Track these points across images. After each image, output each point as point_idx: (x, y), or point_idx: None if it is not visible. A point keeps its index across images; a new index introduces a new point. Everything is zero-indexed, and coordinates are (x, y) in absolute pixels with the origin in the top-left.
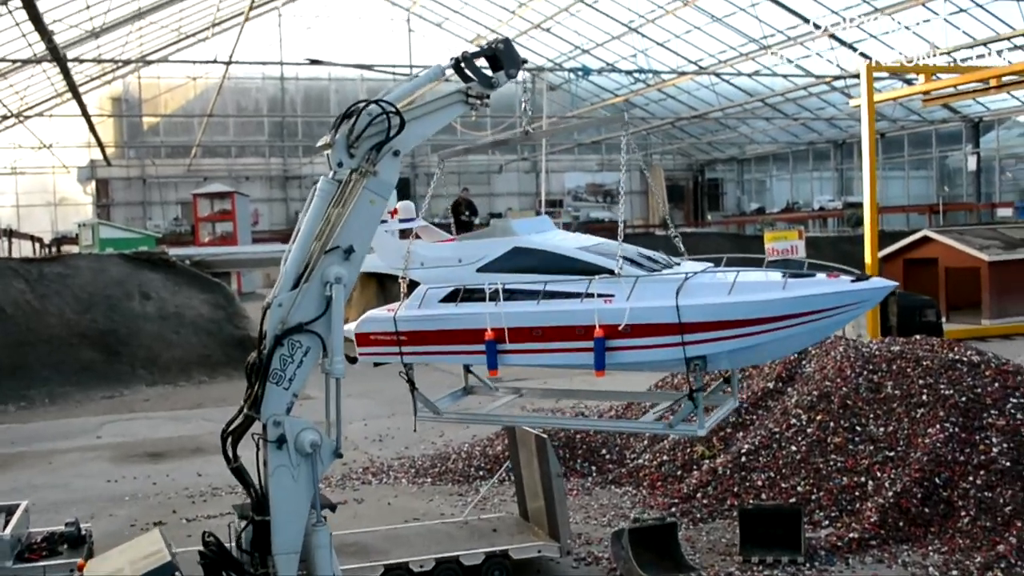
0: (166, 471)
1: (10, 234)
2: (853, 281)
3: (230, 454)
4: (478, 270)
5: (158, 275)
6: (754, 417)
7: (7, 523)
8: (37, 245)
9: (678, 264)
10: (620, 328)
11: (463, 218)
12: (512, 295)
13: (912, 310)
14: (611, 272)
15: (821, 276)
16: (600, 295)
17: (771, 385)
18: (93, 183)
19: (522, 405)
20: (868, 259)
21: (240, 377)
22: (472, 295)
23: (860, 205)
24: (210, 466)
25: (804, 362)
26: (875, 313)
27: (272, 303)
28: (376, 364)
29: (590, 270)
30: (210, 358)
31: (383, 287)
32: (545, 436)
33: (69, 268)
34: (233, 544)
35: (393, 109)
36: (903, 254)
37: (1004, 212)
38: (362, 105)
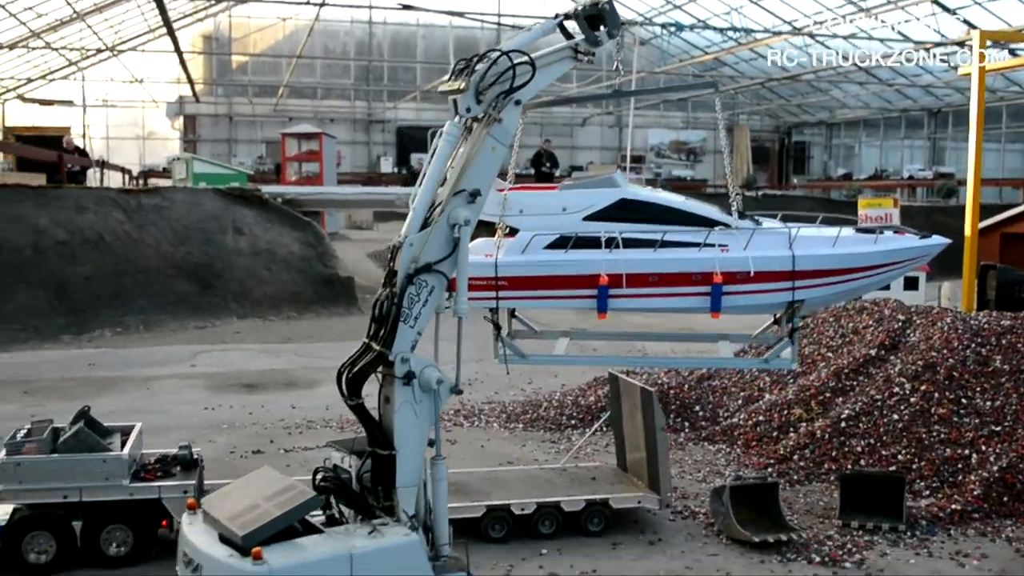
0: (261, 402)
1: (103, 165)
2: (921, 238)
3: (351, 390)
4: (584, 218)
5: (251, 211)
6: (854, 383)
7: (124, 444)
8: (126, 176)
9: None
10: (751, 275)
11: (544, 169)
12: (626, 244)
13: (1011, 285)
14: (725, 224)
15: (889, 233)
16: (709, 245)
17: (873, 352)
18: (181, 119)
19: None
20: (968, 231)
21: (328, 315)
22: (580, 243)
23: (951, 176)
24: (303, 399)
25: (908, 331)
26: (971, 287)
27: (404, 242)
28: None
29: (704, 222)
30: (300, 295)
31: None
32: (651, 389)
33: (166, 200)
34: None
35: (528, 59)
36: (1000, 228)
37: None
38: (495, 54)
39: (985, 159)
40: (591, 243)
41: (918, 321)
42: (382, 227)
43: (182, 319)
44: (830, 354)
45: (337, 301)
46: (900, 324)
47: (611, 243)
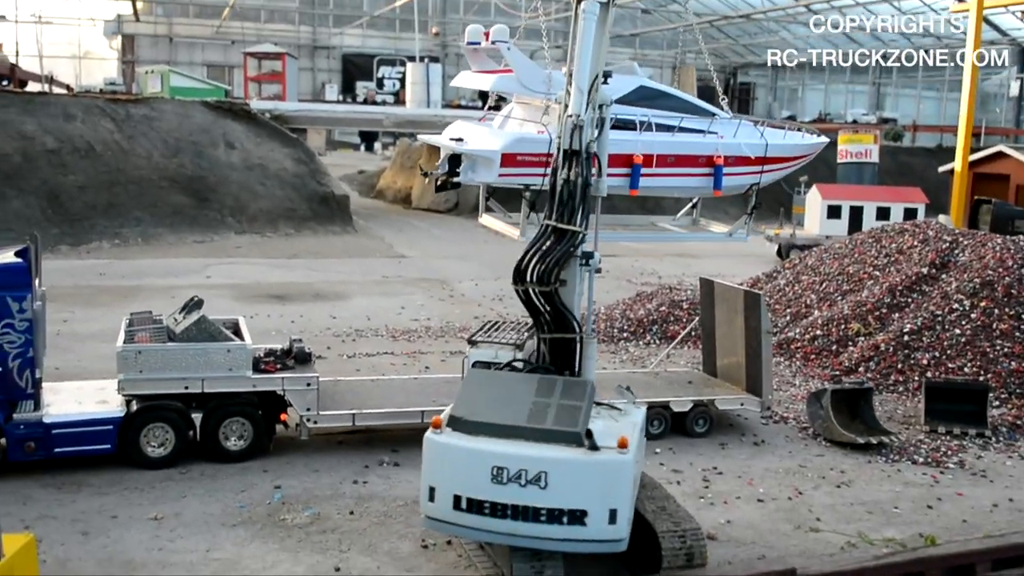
0: (298, 312)
1: (51, 81)
2: (817, 136)
3: (550, 277)
4: (615, 101)
5: (240, 125)
6: (909, 300)
7: (236, 335)
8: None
9: None
10: (751, 158)
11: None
12: (649, 127)
13: (1005, 219)
14: (713, 115)
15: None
16: (712, 132)
17: (924, 271)
18: (119, 38)
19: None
20: (958, 167)
21: (325, 233)
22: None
23: (894, 121)
24: (339, 310)
25: (956, 251)
26: (963, 218)
27: (581, 121)
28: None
29: (702, 111)
30: (295, 212)
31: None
32: (759, 292)
33: (155, 111)
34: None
35: None
36: (974, 168)
37: None
38: None
39: (926, 106)
40: (622, 125)
41: (965, 242)
42: (332, 155)
43: (179, 232)
44: (877, 272)
45: (333, 219)
46: (947, 244)
47: (641, 125)
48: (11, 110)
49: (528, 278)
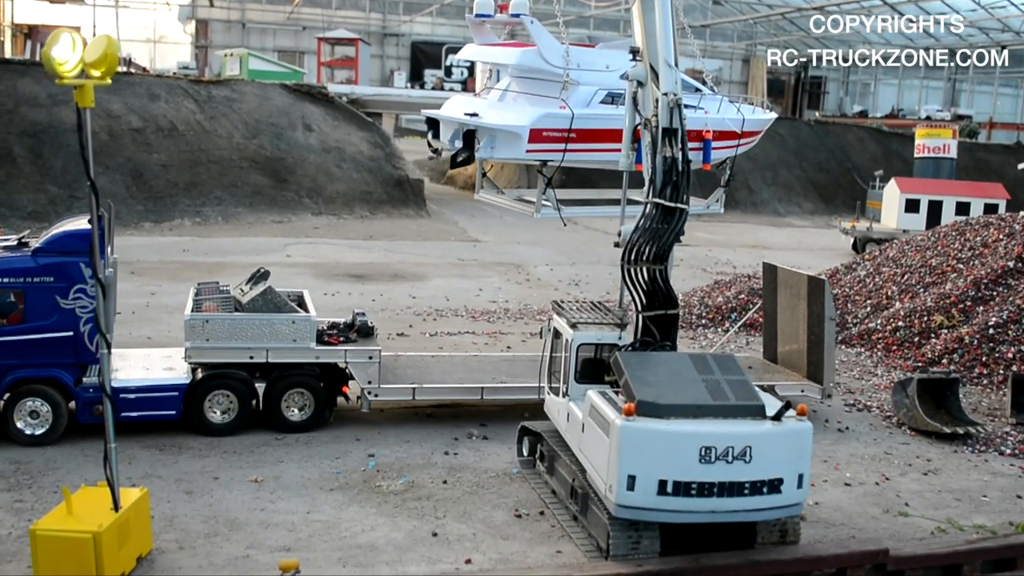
0: (378, 291)
1: (129, 63)
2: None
3: (666, 255)
4: (620, 77)
5: (318, 109)
6: (994, 293)
7: (301, 307)
8: None
9: None
10: (738, 132)
11: None
12: None
13: None
14: (699, 91)
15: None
16: (699, 108)
17: (1011, 264)
18: (193, 23)
19: None
20: None
21: (400, 216)
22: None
23: (969, 118)
24: (417, 290)
25: None
26: None
27: (680, 99)
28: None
29: (689, 88)
30: (371, 195)
31: None
32: (824, 279)
33: (235, 93)
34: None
35: None
36: None
37: None
38: None
39: (1003, 103)
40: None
41: None
42: (401, 141)
43: (258, 212)
44: (961, 265)
45: (407, 203)
46: None
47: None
48: (97, 88)
49: (645, 257)
